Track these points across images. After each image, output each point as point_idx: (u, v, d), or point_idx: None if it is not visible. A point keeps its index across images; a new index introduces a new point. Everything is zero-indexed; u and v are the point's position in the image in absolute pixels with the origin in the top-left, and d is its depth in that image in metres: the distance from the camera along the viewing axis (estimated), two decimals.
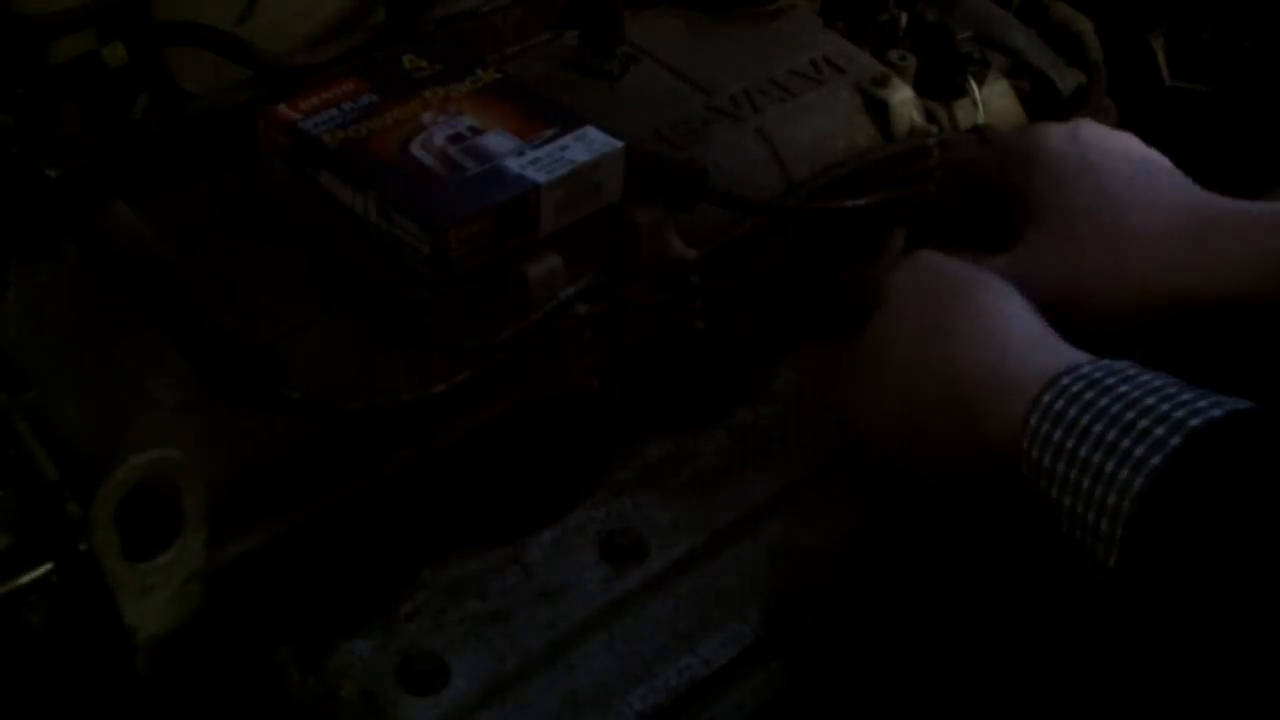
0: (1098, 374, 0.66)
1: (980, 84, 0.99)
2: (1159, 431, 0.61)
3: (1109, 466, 0.62)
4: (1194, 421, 0.61)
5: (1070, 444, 0.64)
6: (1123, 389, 0.64)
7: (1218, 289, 0.76)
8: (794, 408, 0.83)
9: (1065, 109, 1.02)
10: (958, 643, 0.75)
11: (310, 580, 0.72)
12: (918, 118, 0.94)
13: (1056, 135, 0.83)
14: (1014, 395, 0.68)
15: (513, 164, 0.76)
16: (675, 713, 0.71)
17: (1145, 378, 0.65)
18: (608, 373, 0.80)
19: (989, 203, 0.87)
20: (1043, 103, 1.03)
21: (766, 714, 0.73)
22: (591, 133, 0.78)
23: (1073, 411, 0.65)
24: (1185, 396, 0.63)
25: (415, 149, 0.77)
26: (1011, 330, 0.72)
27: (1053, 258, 0.80)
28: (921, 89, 0.96)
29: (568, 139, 0.77)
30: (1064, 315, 0.75)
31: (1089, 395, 0.65)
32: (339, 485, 0.73)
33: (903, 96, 0.93)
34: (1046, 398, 0.66)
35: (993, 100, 1.00)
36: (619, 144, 0.78)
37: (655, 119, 0.89)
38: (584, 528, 0.76)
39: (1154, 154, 0.83)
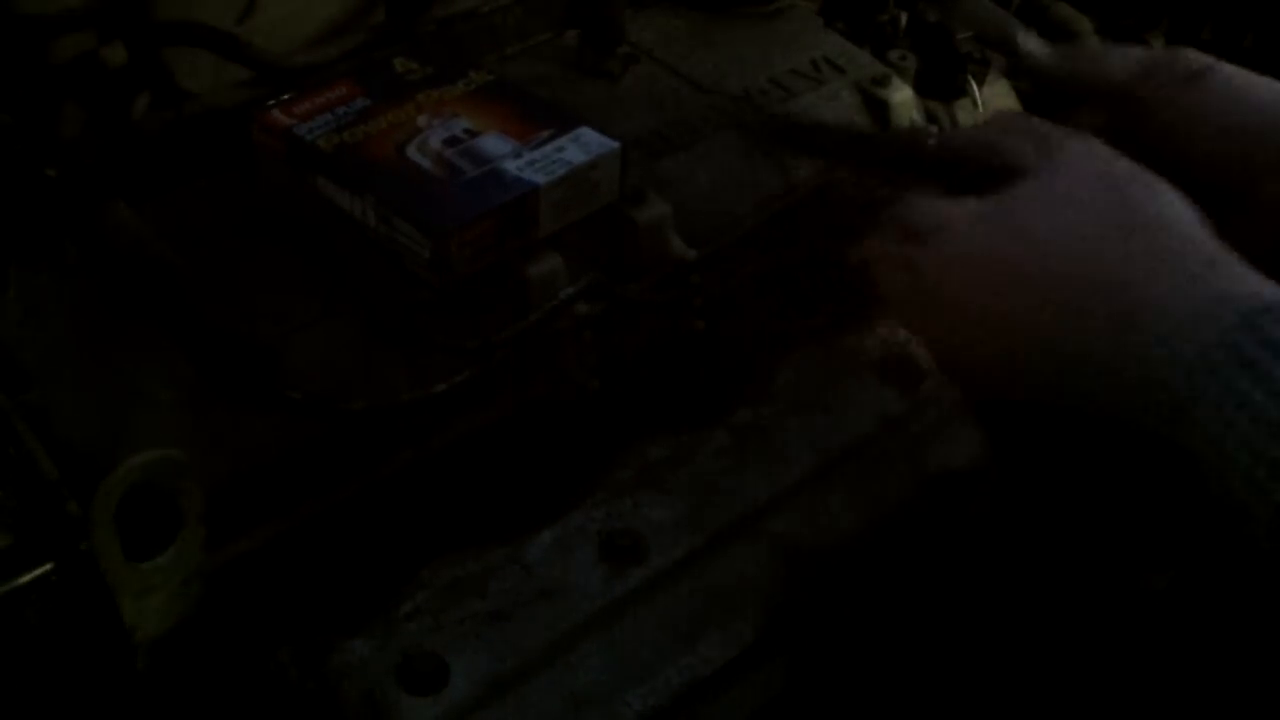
0: None
1: (980, 84, 0.99)
2: None
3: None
4: None
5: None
6: None
7: None
8: (794, 408, 0.83)
9: (1065, 108, 1.02)
10: (957, 643, 0.75)
11: (310, 580, 0.72)
12: (918, 117, 0.94)
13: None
14: (1218, 304, 0.59)
15: (511, 166, 0.76)
16: (675, 713, 0.71)
17: None
18: (608, 373, 0.80)
19: None
20: (1043, 102, 1.02)
21: (766, 714, 0.73)
22: (587, 133, 0.78)
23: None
24: None
25: (412, 152, 0.77)
26: (1195, 242, 0.63)
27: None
28: (922, 89, 0.96)
29: (564, 140, 0.78)
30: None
31: None
32: (339, 485, 0.73)
33: (903, 96, 0.93)
34: (1264, 319, 0.58)
35: (993, 100, 1.00)
36: (616, 144, 0.78)
37: (655, 119, 0.89)
38: (584, 528, 0.76)
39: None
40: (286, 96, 0.81)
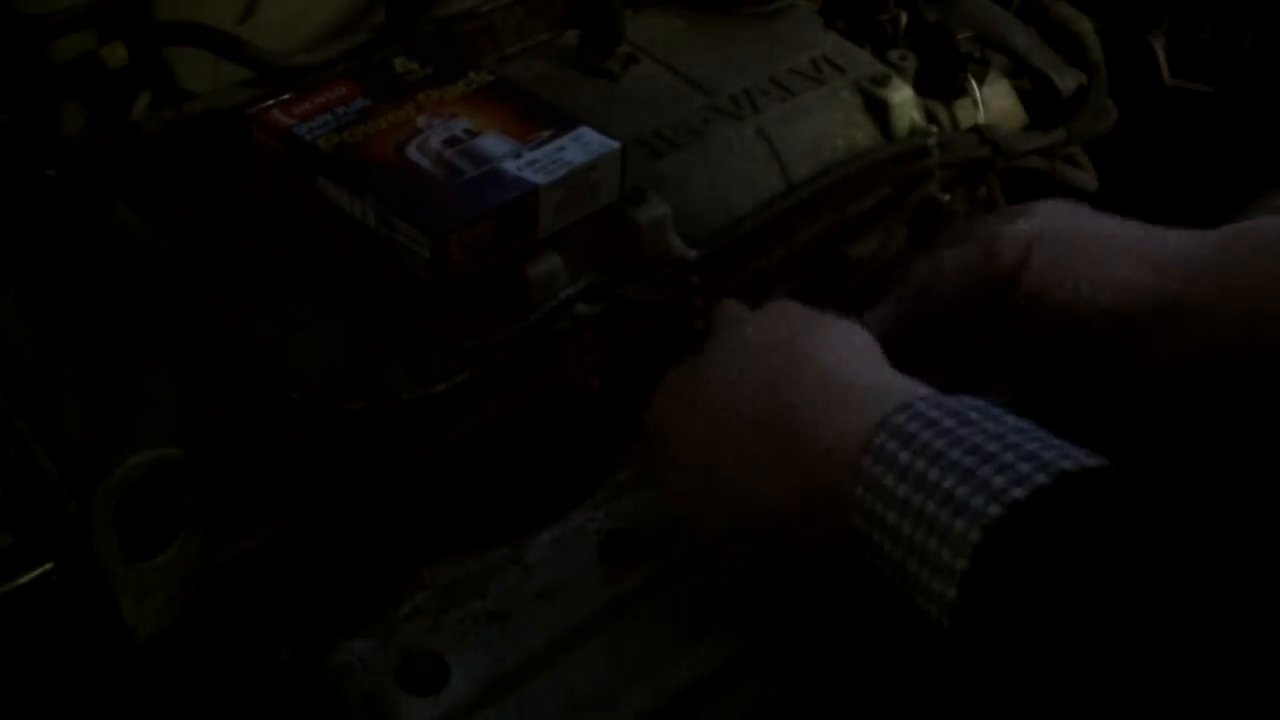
0: (953, 404, 0.61)
1: (980, 84, 0.99)
2: (1024, 468, 0.56)
3: (961, 492, 0.57)
4: (1065, 464, 0.56)
5: (920, 465, 0.59)
6: (988, 424, 0.60)
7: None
8: None
9: (1066, 108, 1.02)
10: (957, 642, 0.75)
11: (310, 580, 0.72)
12: (918, 117, 0.94)
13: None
14: (857, 412, 0.63)
15: (510, 166, 0.76)
16: (675, 713, 0.71)
17: (1009, 418, 0.60)
18: (608, 373, 0.80)
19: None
20: (1043, 102, 1.03)
21: (766, 714, 0.73)
22: (587, 134, 0.78)
23: (925, 435, 0.60)
24: (1056, 441, 0.58)
25: (412, 152, 0.77)
26: (861, 360, 0.68)
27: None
28: (922, 88, 0.96)
29: (564, 140, 0.78)
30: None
31: (947, 422, 0.60)
32: (339, 485, 0.73)
33: (903, 96, 0.93)
34: (899, 418, 0.61)
35: (993, 100, 1.00)
36: (615, 145, 0.78)
37: (655, 119, 0.89)
38: (584, 528, 0.76)
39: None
40: (286, 96, 0.81)
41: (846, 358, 0.68)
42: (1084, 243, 0.78)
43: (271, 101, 0.80)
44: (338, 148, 0.77)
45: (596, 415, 0.80)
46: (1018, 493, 0.55)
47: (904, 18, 1.01)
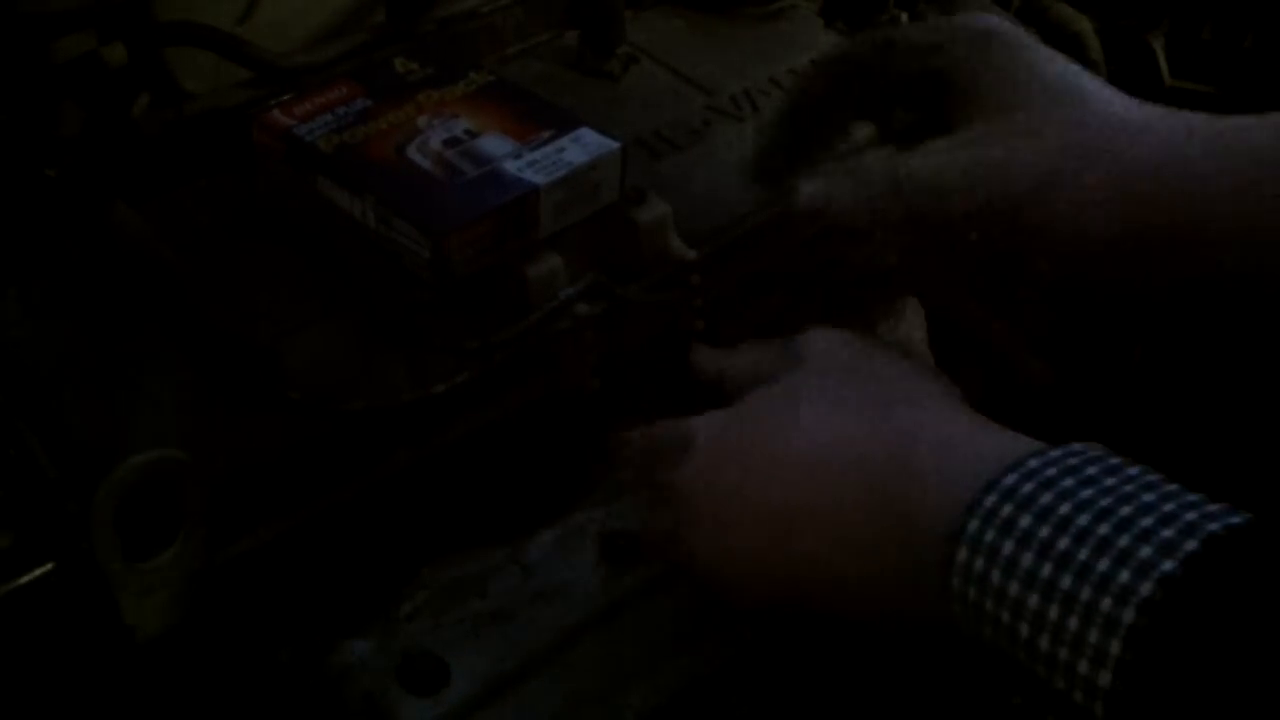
0: (1067, 459, 0.55)
1: None
2: (1167, 533, 0.50)
3: (1101, 564, 0.51)
4: (1211, 526, 0.50)
5: (1045, 533, 0.52)
6: (1109, 480, 0.53)
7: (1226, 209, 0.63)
8: None
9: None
10: (957, 641, 0.75)
11: (310, 580, 0.72)
12: None
13: (1000, 20, 0.71)
14: (955, 481, 0.56)
15: (511, 166, 0.76)
16: (675, 713, 0.71)
17: (1129, 469, 0.54)
18: (608, 373, 0.80)
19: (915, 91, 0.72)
20: None
21: (766, 714, 0.73)
22: (587, 134, 0.78)
23: (1045, 497, 0.53)
24: (1190, 497, 0.52)
25: (412, 153, 0.77)
26: (952, 419, 0.60)
27: (1017, 127, 0.66)
28: None
29: (564, 140, 0.78)
30: (1028, 226, 0.65)
31: (1066, 481, 0.53)
32: (339, 485, 0.73)
33: None
34: (1007, 479, 0.54)
35: None
36: (616, 144, 0.78)
37: (655, 119, 0.89)
38: (584, 528, 0.76)
39: None
40: (286, 96, 0.81)
41: (943, 410, 0.61)
42: None
43: (272, 102, 0.80)
44: (338, 148, 0.77)
45: (596, 415, 0.80)
46: (1169, 566, 0.49)
47: (904, 18, 1.01)
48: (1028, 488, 0.54)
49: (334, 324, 0.75)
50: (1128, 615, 0.49)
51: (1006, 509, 0.54)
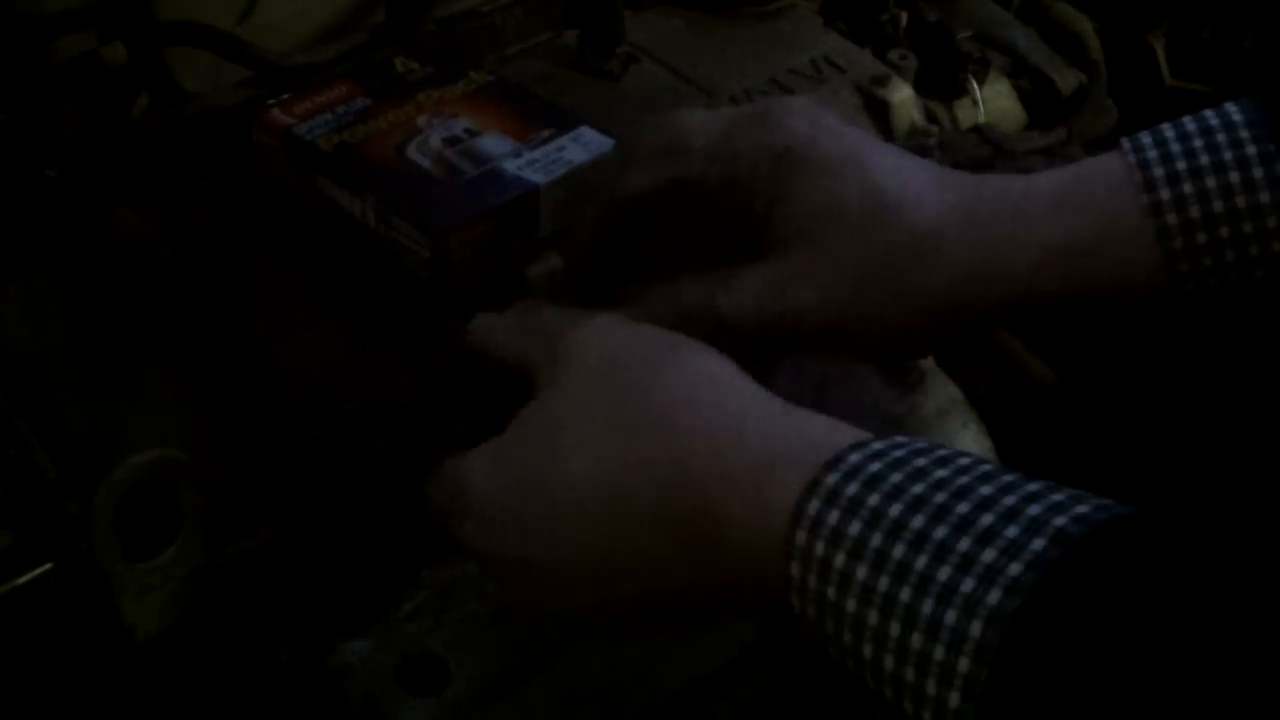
0: (897, 451, 0.50)
1: (981, 83, 0.99)
2: (1012, 532, 0.45)
3: (942, 573, 0.46)
4: (1058, 520, 0.45)
5: (876, 540, 0.47)
6: (940, 472, 0.48)
7: (1012, 283, 0.63)
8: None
9: (1066, 108, 1.02)
10: None
11: (310, 580, 0.72)
12: (918, 117, 0.94)
13: (795, 124, 0.65)
14: (771, 483, 0.51)
15: (510, 166, 0.76)
16: (675, 713, 0.71)
17: (962, 459, 0.49)
18: None
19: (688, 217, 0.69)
20: (1043, 102, 1.03)
21: (766, 714, 0.73)
22: (587, 133, 0.78)
23: (873, 498, 0.48)
24: (1032, 486, 0.47)
25: (412, 152, 0.77)
26: (747, 403, 0.54)
27: (823, 267, 0.63)
28: (922, 88, 0.97)
29: (564, 139, 0.78)
30: (844, 340, 0.64)
31: (894, 476, 0.49)
32: (339, 485, 0.73)
33: (903, 96, 0.93)
34: (830, 479, 0.49)
35: (993, 100, 1.00)
36: (616, 144, 0.78)
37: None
38: None
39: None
40: (286, 96, 0.81)
41: (723, 399, 0.55)
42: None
43: (271, 101, 0.80)
44: (338, 148, 0.77)
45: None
46: (1015, 569, 0.45)
47: (904, 18, 1.01)
48: (852, 488, 0.49)
49: (334, 324, 0.75)
50: (975, 629, 0.45)
51: (832, 515, 0.49)
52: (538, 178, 0.75)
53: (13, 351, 0.72)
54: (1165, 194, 0.62)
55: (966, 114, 0.98)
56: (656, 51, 0.94)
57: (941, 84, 0.98)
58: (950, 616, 0.45)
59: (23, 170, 0.77)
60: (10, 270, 0.75)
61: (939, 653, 0.45)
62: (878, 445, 0.50)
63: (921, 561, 0.46)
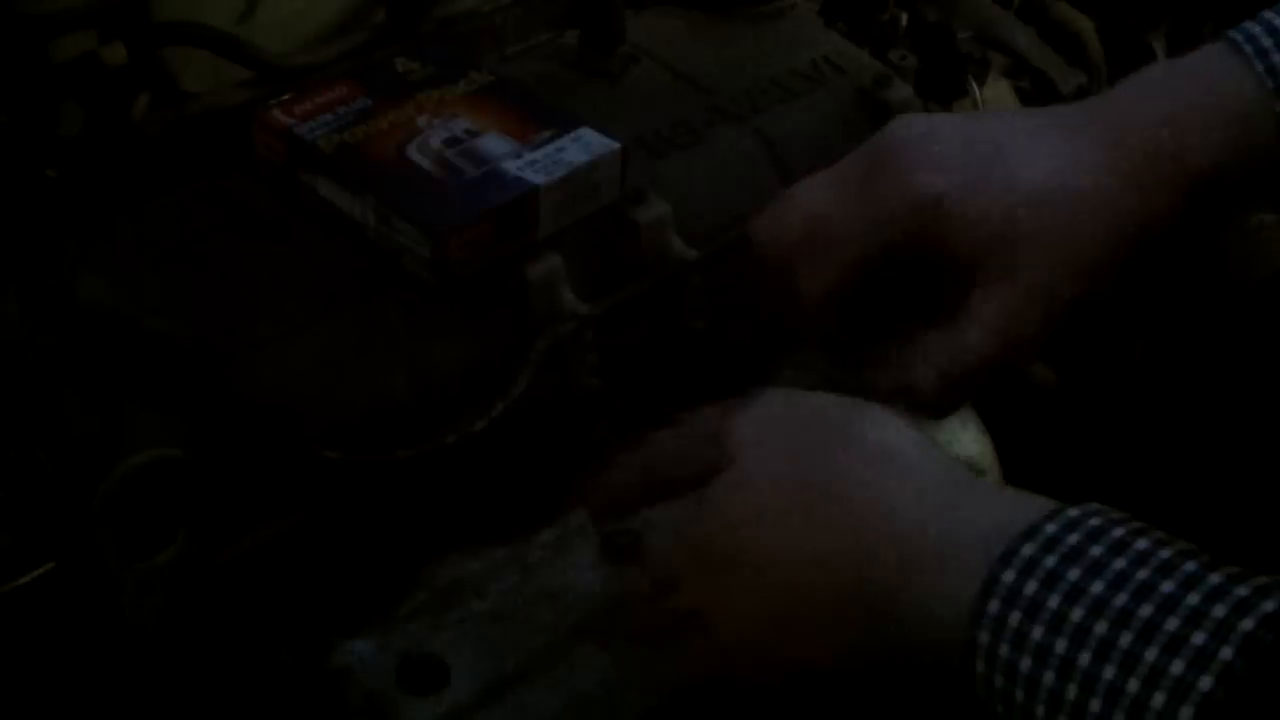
0: (1073, 537, 0.49)
1: (981, 84, 0.99)
2: (1198, 639, 0.44)
3: (1131, 685, 0.45)
4: (1246, 624, 0.44)
5: (1060, 646, 0.47)
6: (1118, 564, 0.48)
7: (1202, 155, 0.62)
8: None
9: None
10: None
11: (310, 580, 0.72)
12: None
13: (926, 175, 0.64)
14: (946, 569, 0.51)
15: (510, 166, 0.76)
16: (675, 712, 0.71)
17: (1143, 544, 0.48)
18: (608, 373, 0.80)
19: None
20: (1043, 102, 1.03)
21: (766, 713, 0.73)
22: (588, 134, 0.78)
23: (1053, 600, 0.48)
24: (1214, 579, 0.46)
25: (412, 152, 0.77)
26: (925, 477, 0.55)
27: (1021, 304, 0.63)
28: (922, 89, 0.96)
29: (565, 140, 0.78)
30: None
31: (1072, 573, 0.48)
32: (339, 485, 0.73)
33: (903, 97, 0.93)
34: (1007, 576, 0.49)
35: (993, 100, 1.00)
36: (616, 145, 0.78)
37: (655, 119, 0.89)
38: (584, 528, 0.76)
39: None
40: (287, 96, 0.81)
41: (903, 479, 0.55)
42: None
43: (272, 101, 0.80)
44: (338, 148, 0.77)
45: (596, 415, 0.80)
46: (1206, 683, 0.44)
47: (904, 18, 1.01)
48: (1031, 586, 0.49)
49: (334, 324, 0.75)
50: None
51: (1014, 617, 0.49)
52: (538, 178, 0.75)
53: (13, 351, 0.72)
54: None
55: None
56: (656, 51, 0.94)
57: (941, 84, 0.98)
58: (1157, 700, 0.45)
59: (23, 170, 0.77)
60: (10, 270, 0.75)
61: None
62: (1051, 530, 0.50)
63: (1110, 672, 0.46)
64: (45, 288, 0.74)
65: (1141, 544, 0.48)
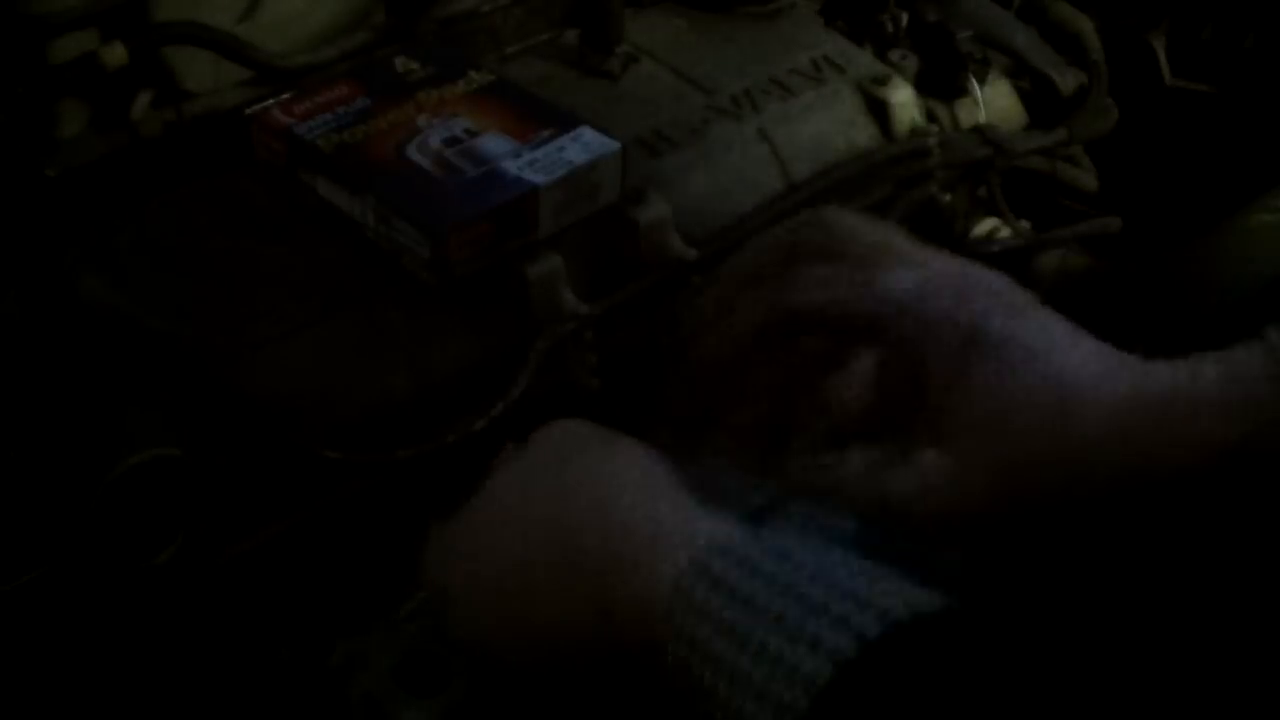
0: (772, 541, 0.55)
1: (981, 83, 0.99)
2: (844, 607, 0.51)
3: (786, 650, 0.51)
4: (895, 609, 0.50)
5: (735, 618, 0.53)
6: (806, 557, 0.54)
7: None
8: None
9: (1066, 108, 1.02)
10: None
11: (310, 580, 0.72)
12: (918, 117, 0.94)
13: (989, 304, 0.64)
14: (663, 550, 0.56)
15: (510, 166, 0.76)
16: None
17: (836, 552, 0.54)
18: (608, 373, 0.80)
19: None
20: (1043, 102, 1.03)
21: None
22: (588, 133, 0.78)
23: (743, 583, 0.53)
24: (891, 580, 0.52)
25: (412, 152, 0.77)
26: (661, 483, 0.60)
27: (1000, 459, 0.63)
28: (922, 88, 0.96)
29: (564, 140, 0.78)
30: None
31: (766, 565, 0.54)
32: (339, 485, 0.73)
33: (903, 96, 0.93)
34: (712, 560, 0.55)
35: (994, 100, 1.00)
36: (616, 145, 0.78)
37: (655, 119, 0.89)
38: None
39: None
40: (286, 96, 0.81)
41: (641, 494, 0.60)
42: None
43: (271, 101, 0.80)
44: (338, 148, 0.77)
45: (596, 415, 0.80)
46: (844, 641, 0.50)
47: (904, 18, 1.01)
48: (720, 566, 0.54)
49: (334, 324, 0.75)
50: (801, 701, 0.49)
51: (702, 591, 0.54)
52: (538, 178, 0.75)
53: (13, 351, 0.72)
54: None
55: (967, 114, 0.98)
56: (656, 51, 0.94)
57: (942, 84, 0.98)
58: (783, 693, 0.50)
59: (23, 170, 0.77)
60: (10, 270, 0.75)
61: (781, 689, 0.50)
62: (759, 531, 0.56)
63: (772, 639, 0.51)
64: (45, 288, 0.74)
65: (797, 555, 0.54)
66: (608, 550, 0.58)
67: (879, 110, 0.92)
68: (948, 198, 0.93)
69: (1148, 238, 0.98)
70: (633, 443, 0.63)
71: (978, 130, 0.96)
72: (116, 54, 0.80)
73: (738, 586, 0.54)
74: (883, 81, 0.93)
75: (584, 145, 0.77)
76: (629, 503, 0.59)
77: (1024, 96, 1.02)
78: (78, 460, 0.67)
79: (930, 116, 0.96)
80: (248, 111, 0.80)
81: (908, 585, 0.52)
